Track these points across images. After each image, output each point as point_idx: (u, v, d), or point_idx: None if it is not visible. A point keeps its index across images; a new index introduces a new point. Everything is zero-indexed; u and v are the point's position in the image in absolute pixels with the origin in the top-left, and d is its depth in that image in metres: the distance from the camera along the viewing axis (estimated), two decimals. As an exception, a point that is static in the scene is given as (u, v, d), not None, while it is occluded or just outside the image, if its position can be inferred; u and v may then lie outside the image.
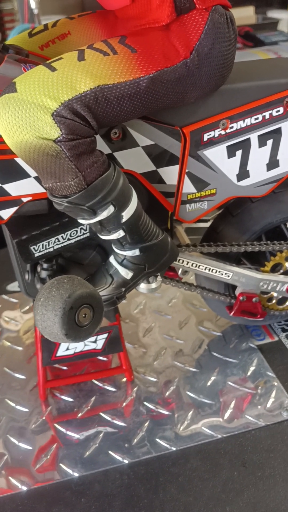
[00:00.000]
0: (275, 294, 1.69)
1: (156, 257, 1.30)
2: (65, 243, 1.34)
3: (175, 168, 1.32)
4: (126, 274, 1.29)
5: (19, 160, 1.18)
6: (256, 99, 1.31)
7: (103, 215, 1.14)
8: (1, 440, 1.49)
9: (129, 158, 1.27)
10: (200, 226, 1.78)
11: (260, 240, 1.59)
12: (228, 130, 1.31)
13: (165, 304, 1.98)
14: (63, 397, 1.61)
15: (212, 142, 1.31)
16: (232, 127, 1.31)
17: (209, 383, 1.63)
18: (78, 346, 1.57)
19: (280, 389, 1.60)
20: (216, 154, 1.34)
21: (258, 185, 1.44)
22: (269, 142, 1.38)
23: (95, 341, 1.58)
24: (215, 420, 1.52)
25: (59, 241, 1.33)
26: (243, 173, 1.40)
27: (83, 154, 1.05)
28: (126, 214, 1.17)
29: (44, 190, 1.23)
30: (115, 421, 1.53)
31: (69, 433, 1.50)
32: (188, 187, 1.36)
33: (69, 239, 1.34)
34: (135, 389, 1.62)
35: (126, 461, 1.41)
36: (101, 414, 1.55)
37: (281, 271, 1.64)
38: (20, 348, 1.80)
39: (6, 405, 1.59)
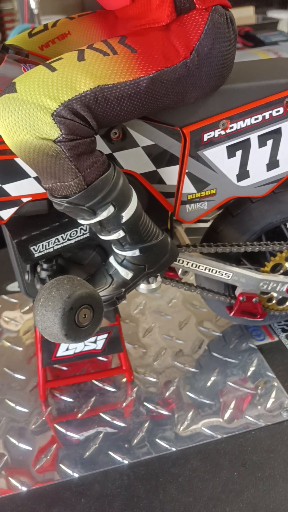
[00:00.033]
0: (275, 295, 1.69)
1: (156, 258, 1.30)
2: (65, 244, 1.34)
3: (175, 169, 1.32)
4: (126, 274, 1.29)
5: (19, 161, 1.18)
6: (256, 99, 1.31)
7: (103, 215, 1.14)
8: (1, 440, 1.49)
9: (129, 158, 1.27)
10: (200, 227, 1.78)
11: (260, 241, 1.59)
12: (228, 130, 1.31)
13: (165, 304, 1.98)
14: (63, 397, 1.61)
15: (212, 142, 1.31)
16: (232, 127, 1.31)
17: (209, 384, 1.63)
18: (78, 347, 1.57)
19: (280, 390, 1.60)
20: (216, 154, 1.33)
21: (258, 185, 1.44)
22: (269, 142, 1.37)
23: (95, 342, 1.58)
24: (215, 421, 1.51)
25: (59, 241, 1.33)
26: (243, 173, 1.40)
27: (83, 154, 1.05)
28: (126, 215, 1.17)
29: (44, 191, 1.23)
30: (115, 422, 1.53)
31: (69, 433, 1.50)
32: (188, 187, 1.36)
33: (69, 240, 1.34)
34: (135, 389, 1.62)
35: (126, 462, 1.41)
36: (101, 414, 1.55)
37: (281, 271, 1.64)
38: (20, 349, 1.80)
39: (6, 406, 1.59)
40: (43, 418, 1.54)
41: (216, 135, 1.31)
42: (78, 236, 1.34)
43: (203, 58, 1.12)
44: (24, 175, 1.20)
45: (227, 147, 1.33)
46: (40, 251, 1.32)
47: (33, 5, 2.97)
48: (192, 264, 1.49)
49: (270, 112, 1.33)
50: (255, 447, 1.44)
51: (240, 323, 1.81)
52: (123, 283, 1.30)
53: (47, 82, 1.02)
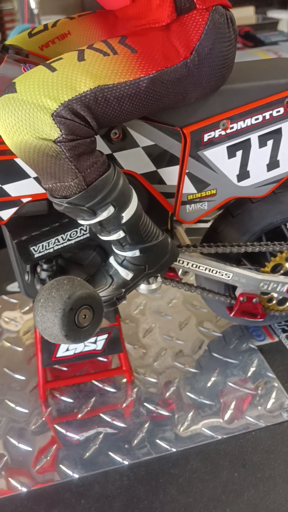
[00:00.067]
0: (275, 295, 1.69)
1: (156, 258, 1.30)
2: (65, 244, 1.34)
3: (175, 169, 1.32)
4: (126, 275, 1.29)
5: (19, 161, 1.18)
6: (256, 100, 1.31)
7: (103, 215, 1.14)
8: (1, 441, 1.48)
9: (129, 159, 1.27)
10: (200, 227, 1.78)
11: (260, 241, 1.59)
12: (228, 131, 1.31)
13: (165, 304, 1.98)
14: (63, 398, 1.61)
15: (212, 142, 1.31)
16: (232, 128, 1.31)
17: (209, 384, 1.63)
18: (78, 347, 1.57)
19: (281, 390, 1.60)
20: (216, 155, 1.33)
21: (258, 185, 1.43)
22: (270, 143, 1.37)
23: (95, 342, 1.58)
24: (215, 421, 1.51)
25: (59, 241, 1.33)
26: (243, 174, 1.39)
27: (83, 154, 1.05)
28: (126, 215, 1.16)
29: (44, 191, 1.22)
30: (115, 422, 1.52)
31: (69, 434, 1.50)
32: (188, 187, 1.36)
33: (69, 240, 1.34)
34: (135, 390, 1.62)
35: (126, 462, 1.41)
36: (101, 415, 1.55)
37: (281, 271, 1.64)
38: (20, 349, 1.80)
39: (6, 406, 1.59)
40: (43, 419, 1.54)
41: (217, 135, 1.30)
42: (78, 237, 1.34)
43: (204, 58, 1.12)
44: (24, 175, 1.20)
45: (228, 147, 1.33)
46: (40, 252, 1.32)
47: (33, 5, 2.97)
48: (192, 264, 1.49)
49: (271, 112, 1.33)
50: (256, 448, 1.44)
51: (240, 323, 1.81)
52: (123, 283, 1.30)
53: (47, 82, 1.01)
